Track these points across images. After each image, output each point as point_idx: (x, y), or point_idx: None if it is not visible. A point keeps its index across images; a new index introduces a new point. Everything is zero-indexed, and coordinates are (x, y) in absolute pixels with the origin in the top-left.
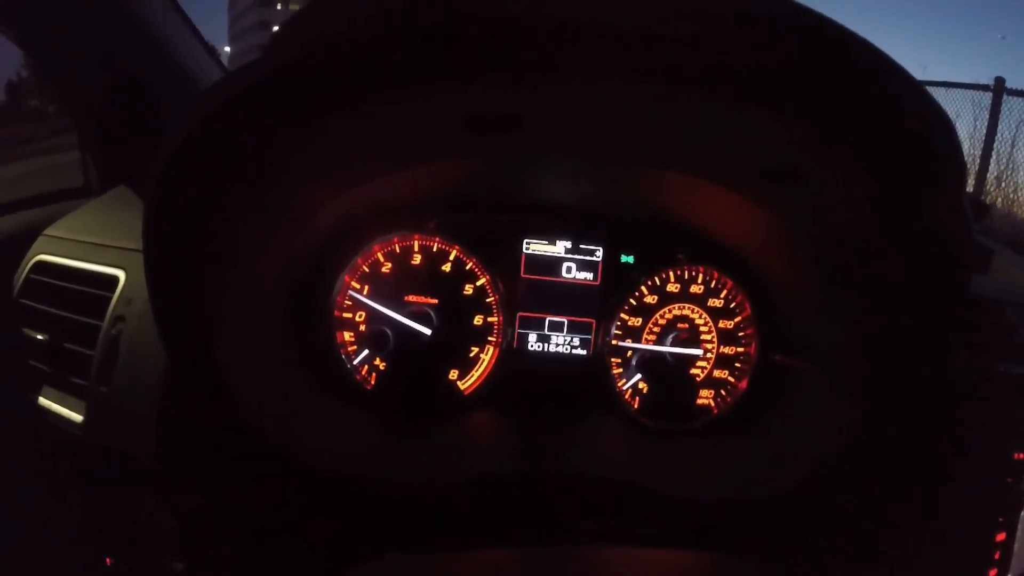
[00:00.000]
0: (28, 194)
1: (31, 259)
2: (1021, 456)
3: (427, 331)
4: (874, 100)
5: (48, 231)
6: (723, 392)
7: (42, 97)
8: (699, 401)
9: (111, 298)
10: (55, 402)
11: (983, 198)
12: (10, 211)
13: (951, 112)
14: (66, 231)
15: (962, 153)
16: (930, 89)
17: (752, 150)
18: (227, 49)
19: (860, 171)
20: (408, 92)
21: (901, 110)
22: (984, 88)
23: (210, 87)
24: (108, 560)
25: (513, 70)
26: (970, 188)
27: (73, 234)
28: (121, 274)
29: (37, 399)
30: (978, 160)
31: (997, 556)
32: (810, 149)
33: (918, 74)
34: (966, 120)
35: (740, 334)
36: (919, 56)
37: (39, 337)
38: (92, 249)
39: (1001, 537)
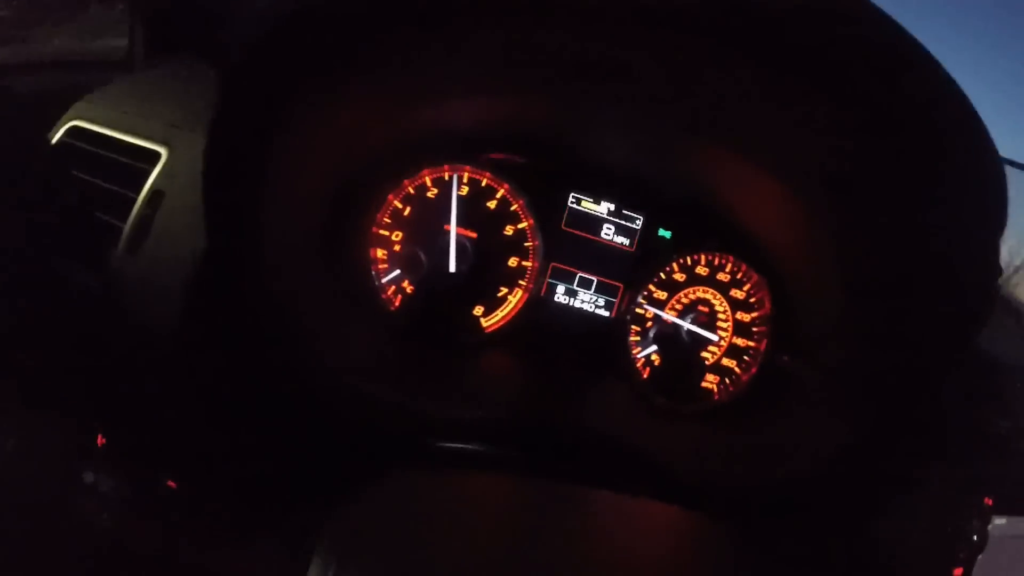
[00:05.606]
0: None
1: (66, 123)
2: (990, 502)
3: (461, 262)
4: (938, 128)
5: (87, 97)
6: (727, 381)
7: None
8: (704, 384)
9: (150, 172)
10: (76, 270)
11: None
12: (46, 70)
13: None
14: (107, 99)
15: (1007, 203)
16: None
17: (812, 150)
18: None
19: (908, 192)
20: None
21: (963, 147)
22: None
23: None
24: (100, 440)
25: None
26: None
27: (115, 103)
28: (163, 150)
29: (56, 266)
30: None
31: None
32: (866, 158)
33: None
34: None
35: (754, 329)
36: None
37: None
38: (135, 121)
39: (958, 572)
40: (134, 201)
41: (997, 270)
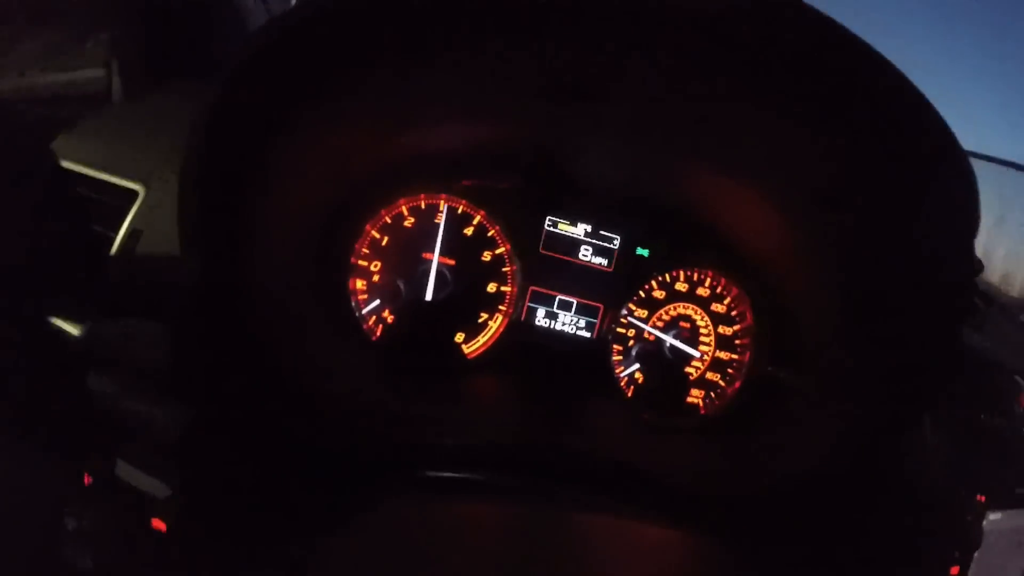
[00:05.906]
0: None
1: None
2: (983, 499)
3: (440, 290)
4: (902, 131)
5: (64, 134)
6: (713, 394)
7: None
8: (689, 399)
9: (128, 210)
10: (59, 312)
11: None
12: (23, 107)
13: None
14: (84, 137)
15: (979, 209)
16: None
17: (801, 168)
18: None
19: (886, 197)
20: (486, 47)
21: (927, 150)
22: None
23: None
24: (87, 479)
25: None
26: None
27: (92, 141)
28: (140, 188)
29: (40, 307)
30: None
31: None
32: (854, 177)
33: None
34: None
35: (737, 342)
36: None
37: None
38: (112, 160)
39: (955, 571)
40: (113, 240)
41: (974, 264)
